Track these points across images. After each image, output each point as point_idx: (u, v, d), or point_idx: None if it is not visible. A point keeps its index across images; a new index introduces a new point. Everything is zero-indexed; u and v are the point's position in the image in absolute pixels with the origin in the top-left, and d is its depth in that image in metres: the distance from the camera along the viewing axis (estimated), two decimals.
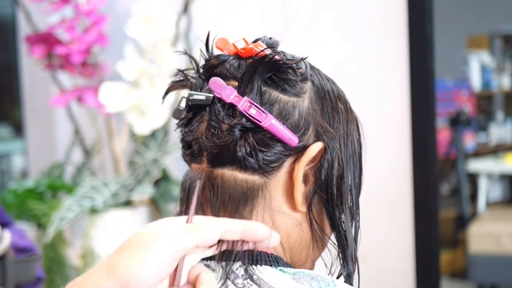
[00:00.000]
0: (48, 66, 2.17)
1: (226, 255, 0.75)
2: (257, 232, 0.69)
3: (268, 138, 0.76)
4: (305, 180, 0.79)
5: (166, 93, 0.88)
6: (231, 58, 0.80)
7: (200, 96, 0.79)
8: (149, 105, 1.94)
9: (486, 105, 5.12)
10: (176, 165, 2.22)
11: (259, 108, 0.75)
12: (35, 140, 2.81)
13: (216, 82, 0.77)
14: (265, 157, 0.76)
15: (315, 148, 0.78)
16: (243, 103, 0.75)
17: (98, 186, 1.99)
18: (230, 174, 0.77)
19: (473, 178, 4.53)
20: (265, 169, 0.77)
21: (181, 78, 0.86)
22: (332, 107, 0.81)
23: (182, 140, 0.82)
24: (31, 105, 2.82)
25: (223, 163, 0.77)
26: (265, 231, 0.69)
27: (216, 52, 0.83)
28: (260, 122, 0.75)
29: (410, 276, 1.78)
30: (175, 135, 2.16)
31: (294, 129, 0.77)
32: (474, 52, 4.92)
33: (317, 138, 0.79)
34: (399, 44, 1.76)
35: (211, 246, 0.69)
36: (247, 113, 0.75)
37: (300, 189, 0.78)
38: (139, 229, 0.67)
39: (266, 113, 0.75)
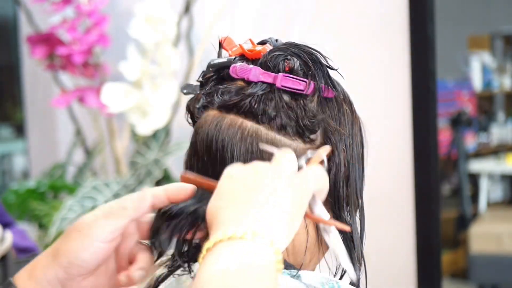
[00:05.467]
0: (49, 67, 2.17)
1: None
2: (182, 191, 0.73)
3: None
4: None
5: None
6: (237, 59, 0.80)
7: (221, 59, 0.80)
8: (151, 106, 1.95)
9: (487, 105, 5.12)
10: (177, 165, 2.22)
11: (296, 78, 0.77)
12: (36, 140, 2.81)
13: (241, 67, 0.78)
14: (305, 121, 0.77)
15: (323, 152, 0.78)
16: (280, 80, 0.77)
17: (99, 186, 1.99)
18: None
19: (474, 179, 4.53)
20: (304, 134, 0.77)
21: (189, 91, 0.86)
22: (338, 109, 0.80)
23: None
24: (32, 106, 2.82)
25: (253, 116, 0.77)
26: (190, 187, 0.73)
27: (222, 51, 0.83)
28: (303, 91, 0.77)
29: (412, 276, 1.78)
30: (177, 135, 2.16)
31: (306, 126, 0.77)
32: (475, 53, 4.92)
33: (325, 139, 0.79)
34: (401, 45, 1.76)
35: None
36: (286, 87, 0.76)
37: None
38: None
39: (304, 80, 0.77)
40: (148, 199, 0.73)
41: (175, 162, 2.20)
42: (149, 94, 1.95)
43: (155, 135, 2.08)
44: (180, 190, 0.73)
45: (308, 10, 1.92)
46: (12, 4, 3.19)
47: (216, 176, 0.74)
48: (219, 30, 1.93)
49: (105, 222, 0.72)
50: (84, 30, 2.08)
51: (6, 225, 1.65)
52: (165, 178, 2.14)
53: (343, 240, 0.81)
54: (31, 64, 2.59)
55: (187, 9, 2.06)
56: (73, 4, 2.06)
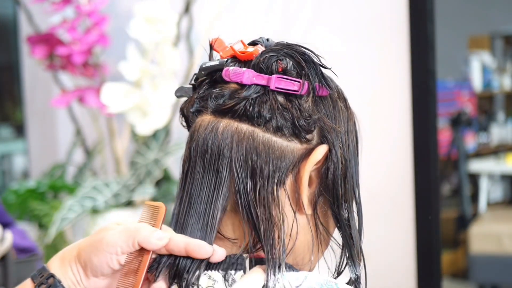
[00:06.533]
0: (49, 67, 2.17)
1: (228, 263, 0.75)
2: (202, 250, 0.74)
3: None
4: (309, 182, 0.79)
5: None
6: (229, 61, 0.80)
7: (213, 62, 0.80)
8: (151, 106, 1.95)
9: (487, 105, 5.12)
10: (177, 165, 2.22)
11: (289, 79, 0.77)
12: (36, 140, 2.81)
13: (234, 71, 0.77)
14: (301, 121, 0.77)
15: (321, 151, 0.78)
16: (274, 81, 0.76)
17: (99, 186, 1.99)
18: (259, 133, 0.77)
19: (474, 179, 4.53)
20: (300, 135, 0.78)
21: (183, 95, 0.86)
22: (333, 106, 0.80)
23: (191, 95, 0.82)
24: (32, 106, 2.82)
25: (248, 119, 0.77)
26: (210, 250, 0.75)
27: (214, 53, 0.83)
28: (297, 91, 0.77)
29: (411, 277, 1.78)
30: (177, 135, 2.16)
31: (302, 126, 0.77)
32: (475, 53, 4.91)
33: (322, 138, 0.79)
34: (400, 45, 1.76)
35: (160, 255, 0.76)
36: (280, 88, 0.76)
37: (305, 192, 0.78)
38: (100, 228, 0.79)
39: (298, 80, 0.77)
40: (163, 241, 0.75)
41: (175, 162, 2.20)
42: (149, 94, 1.95)
43: (155, 135, 2.08)
44: (200, 248, 0.75)
45: (308, 10, 1.92)
46: (12, 4, 3.19)
47: (212, 182, 0.77)
48: (219, 30, 1.93)
49: (118, 237, 0.75)
50: (84, 30, 2.08)
51: (6, 225, 1.66)
52: (165, 178, 2.14)
53: (342, 238, 0.81)
54: (31, 64, 2.59)
55: (187, 9, 2.06)
56: (73, 4, 2.06)
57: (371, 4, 1.81)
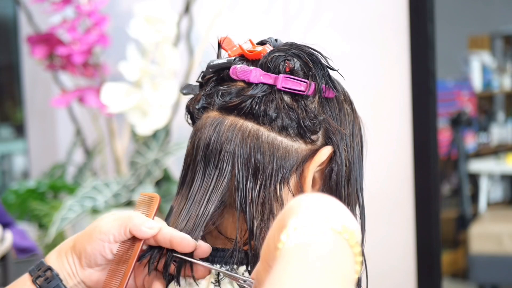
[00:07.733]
0: (49, 67, 2.17)
1: (230, 259, 0.75)
2: (184, 243, 0.74)
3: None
4: (313, 183, 0.79)
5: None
6: (236, 60, 0.80)
7: (221, 60, 0.80)
8: (151, 106, 1.95)
9: (487, 105, 5.11)
10: (177, 165, 2.22)
11: (296, 79, 0.77)
12: (36, 140, 2.81)
13: (242, 69, 0.77)
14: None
15: (325, 152, 0.78)
16: (281, 81, 0.76)
17: (99, 186, 1.99)
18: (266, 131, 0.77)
19: (474, 179, 4.53)
20: (304, 135, 0.78)
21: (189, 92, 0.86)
22: (339, 108, 0.81)
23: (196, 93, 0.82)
24: (32, 106, 2.82)
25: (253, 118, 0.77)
26: (192, 244, 0.74)
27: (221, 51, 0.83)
28: (304, 91, 0.77)
29: (412, 277, 1.78)
30: (177, 135, 2.16)
31: (307, 127, 0.77)
32: (475, 53, 4.91)
33: (327, 139, 0.79)
34: (401, 45, 1.76)
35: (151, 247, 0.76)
36: (287, 88, 0.76)
37: (309, 192, 0.78)
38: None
39: (305, 81, 0.77)
40: (153, 231, 0.75)
41: (175, 162, 2.20)
42: (149, 94, 1.95)
43: (155, 135, 2.08)
44: (182, 241, 0.74)
45: (308, 10, 1.92)
46: (12, 4, 3.19)
47: (212, 176, 0.76)
48: (219, 30, 1.93)
49: (111, 225, 0.76)
50: (84, 30, 2.08)
51: (6, 225, 1.66)
52: (165, 178, 2.14)
53: None
54: (31, 64, 2.59)
55: (187, 9, 2.06)
56: (73, 4, 2.06)
57: (371, 5, 1.81)
